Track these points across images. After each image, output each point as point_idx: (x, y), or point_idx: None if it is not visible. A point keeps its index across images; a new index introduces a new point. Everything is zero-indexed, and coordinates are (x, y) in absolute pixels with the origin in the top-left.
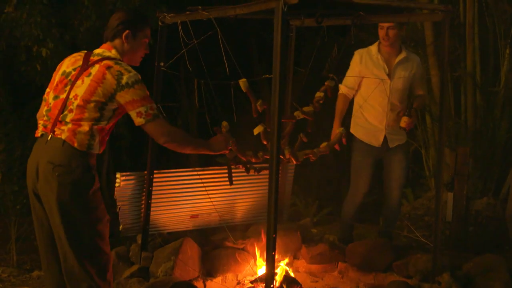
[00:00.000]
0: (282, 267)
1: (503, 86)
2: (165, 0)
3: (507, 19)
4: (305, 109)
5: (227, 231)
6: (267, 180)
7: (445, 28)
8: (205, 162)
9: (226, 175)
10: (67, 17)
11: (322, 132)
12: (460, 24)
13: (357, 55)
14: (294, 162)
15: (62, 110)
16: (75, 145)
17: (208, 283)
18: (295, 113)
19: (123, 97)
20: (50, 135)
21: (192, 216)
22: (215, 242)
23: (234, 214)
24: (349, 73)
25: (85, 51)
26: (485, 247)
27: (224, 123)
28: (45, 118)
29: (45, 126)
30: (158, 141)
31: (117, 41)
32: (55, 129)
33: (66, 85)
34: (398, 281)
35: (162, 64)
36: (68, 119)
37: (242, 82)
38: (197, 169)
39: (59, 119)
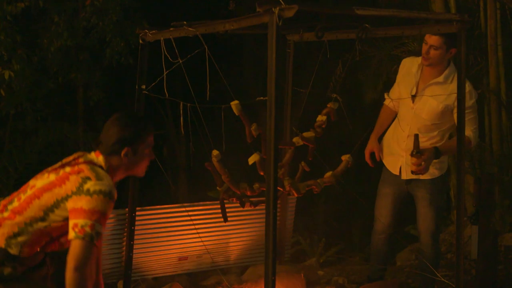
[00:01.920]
0: None
1: None
2: (146, 15)
3: None
4: (306, 134)
5: (221, 274)
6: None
7: (462, 40)
8: (194, 196)
9: (219, 210)
10: (35, 35)
11: (327, 160)
12: (482, 35)
13: (402, 63)
14: (295, 195)
15: (14, 196)
16: None
17: None
18: (294, 139)
19: (74, 202)
20: None
21: (181, 259)
22: None
23: (228, 255)
24: (395, 83)
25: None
26: None
27: (215, 153)
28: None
29: None
30: (70, 262)
31: (114, 158)
32: None
33: (41, 173)
34: None
35: (143, 87)
36: (10, 207)
37: (235, 105)
38: (185, 204)
39: (6, 203)
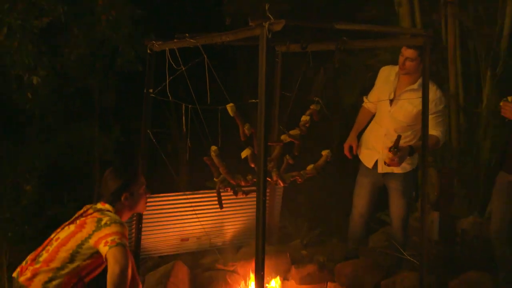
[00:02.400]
0: (271, 286)
1: (485, 107)
2: (154, 28)
3: (487, 42)
4: (292, 132)
5: (218, 253)
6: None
7: (427, 52)
8: (194, 187)
9: (216, 198)
10: (58, 45)
11: (310, 155)
12: (443, 48)
13: (381, 71)
14: (282, 184)
15: (41, 250)
16: (29, 286)
17: None
18: (282, 137)
19: (97, 236)
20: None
21: (183, 240)
22: (206, 265)
23: (224, 237)
24: (373, 88)
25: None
26: (471, 265)
27: (213, 148)
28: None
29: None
30: (114, 267)
31: (117, 204)
32: (28, 268)
33: (61, 228)
34: None
35: (151, 90)
36: (41, 259)
37: (230, 107)
38: (187, 193)
39: (35, 257)
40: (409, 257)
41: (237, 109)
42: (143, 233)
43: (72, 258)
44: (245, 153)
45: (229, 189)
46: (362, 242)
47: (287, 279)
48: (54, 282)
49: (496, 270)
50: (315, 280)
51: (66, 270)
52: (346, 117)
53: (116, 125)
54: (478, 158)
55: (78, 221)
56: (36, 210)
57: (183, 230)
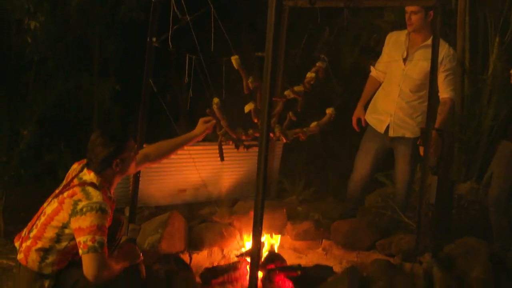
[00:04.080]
0: (267, 241)
1: (491, 74)
2: None
3: (497, 8)
4: (296, 88)
5: (215, 206)
6: (256, 157)
7: (438, 12)
8: None
9: (216, 151)
10: None
11: (313, 112)
12: (453, 12)
13: (387, 37)
14: (284, 141)
15: (33, 223)
16: (26, 264)
17: (194, 256)
18: (286, 92)
19: (73, 223)
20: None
21: (180, 191)
22: (202, 217)
23: (222, 190)
24: (381, 56)
25: (83, 164)
26: (466, 230)
27: (216, 100)
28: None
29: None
30: (85, 274)
31: (107, 172)
32: (22, 244)
33: (52, 197)
34: (380, 260)
35: (154, 39)
36: (31, 235)
37: (235, 59)
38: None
39: (28, 233)
40: (406, 219)
41: (242, 62)
42: (140, 182)
43: (58, 239)
44: (248, 107)
45: (230, 142)
46: (359, 203)
47: (283, 235)
48: (48, 261)
49: (491, 237)
50: (311, 236)
51: (55, 250)
52: (347, 77)
53: (116, 75)
54: (480, 125)
55: (61, 197)
56: (32, 156)
57: (181, 181)
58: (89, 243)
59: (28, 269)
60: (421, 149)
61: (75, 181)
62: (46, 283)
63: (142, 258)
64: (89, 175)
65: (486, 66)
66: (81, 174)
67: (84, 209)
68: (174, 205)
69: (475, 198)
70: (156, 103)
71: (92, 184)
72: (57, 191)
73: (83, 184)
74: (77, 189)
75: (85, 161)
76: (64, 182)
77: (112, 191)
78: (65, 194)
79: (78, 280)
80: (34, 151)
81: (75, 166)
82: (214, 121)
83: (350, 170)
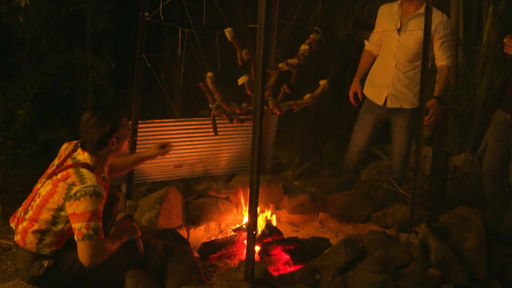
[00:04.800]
0: (264, 216)
1: (485, 44)
2: None
3: None
4: (290, 61)
5: (211, 181)
6: (251, 130)
7: None
8: (188, 115)
9: (210, 125)
10: None
11: (307, 85)
12: None
13: (380, 9)
14: (278, 113)
15: (28, 204)
16: (24, 246)
17: (192, 231)
18: (280, 65)
19: (68, 208)
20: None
21: (176, 166)
22: (199, 192)
23: (217, 164)
24: (375, 29)
25: (77, 144)
26: (461, 201)
27: (209, 74)
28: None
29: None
30: (82, 261)
31: (103, 151)
32: (19, 226)
33: (45, 177)
34: (376, 231)
35: (146, 14)
36: (27, 216)
37: (228, 32)
38: (181, 119)
39: (23, 214)
40: (402, 191)
41: (235, 34)
42: None
43: (54, 221)
44: (242, 80)
45: (224, 116)
46: (356, 176)
47: (279, 208)
48: (45, 242)
49: (485, 207)
50: (307, 210)
51: (52, 232)
52: (341, 50)
53: (109, 51)
54: (474, 96)
55: (55, 178)
56: (28, 135)
57: (177, 157)
58: (84, 231)
59: (26, 250)
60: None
61: (69, 161)
62: (45, 263)
63: (139, 234)
64: (83, 155)
65: (480, 36)
66: (74, 154)
67: (78, 194)
68: (170, 181)
69: (470, 169)
70: (150, 79)
71: (86, 165)
72: (49, 170)
73: (77, 165)
74: (71, 171)
75: (75, 141)
76: (56, 161)
77: (106, 171)
78: (59, 175)
79: (76, 259)
80: (30, 130)
81: (66, 146)
82: (169, 148)
83: (346, 143)
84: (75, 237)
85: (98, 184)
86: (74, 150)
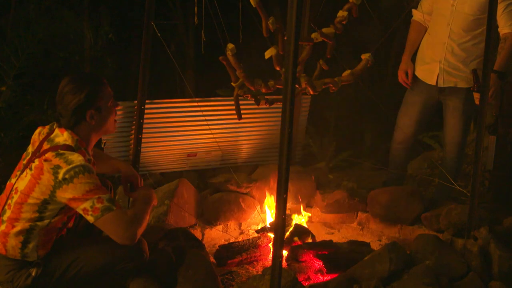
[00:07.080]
0: (293, 216)
1: None
2: None
3: None
4: (325, 30)
5: (231, 172)
6: (279, 114)
7: None
8: (202, 95)
9: (230, 107)
10: None
11: (345, 59)
12: None
13: None
14: (311, 93)
15: (4, 204)
16: (5, 253)
17: (207, 231)
18: (313, 35)
19: (63, 195)
20: None
21: (190, 155)
22: (216, 185)
23: (238, 154)
24: None
25: (52, 126)
26: None
27: (230, 46)
28: None
29: None
30: (115, 239)
31: (81, 127)
32: None
33: (19, 169)
34: (427, 235)
35: None
36: (5, 217)
37: None
38: (197, 99)
39: (0, 214)
40: (459, 188)
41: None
42: (143, 145)
43: (40, 217)
44: (269, 53)
45: (249, 96)
46: (405, 169)
47: (311, 206)
48: (30, 245)
49: None
50: (344, 208)
51: (37, 230)
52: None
53: (108, 16)
54: None
55: (34, 167)
56: (12, 116)
57: (190, 144)
58: (99, 205)
59: (8, 258)
60: (476, 97)
61: (45, 145)
62: (33, 272)
63: (156, 201)
64: (62, 136)
65: None
66: (52, 136)
67: (67, 176)
68: (183, 172)
69: None
70: (157, 52)
71: (66, 147)
72: (24, 161)
73: (55, 148)
74: (50, 155)
75: (48, 126)
76: (31, 149)
77: (90, 152)
78: (37, 162)
79: (70, 264)
80: (14, 110)
81: (40, 130)
82: (137, 178)
83: (391, 130)
84: (92, 218)
85: (85, 162)
86: (50, 132)
